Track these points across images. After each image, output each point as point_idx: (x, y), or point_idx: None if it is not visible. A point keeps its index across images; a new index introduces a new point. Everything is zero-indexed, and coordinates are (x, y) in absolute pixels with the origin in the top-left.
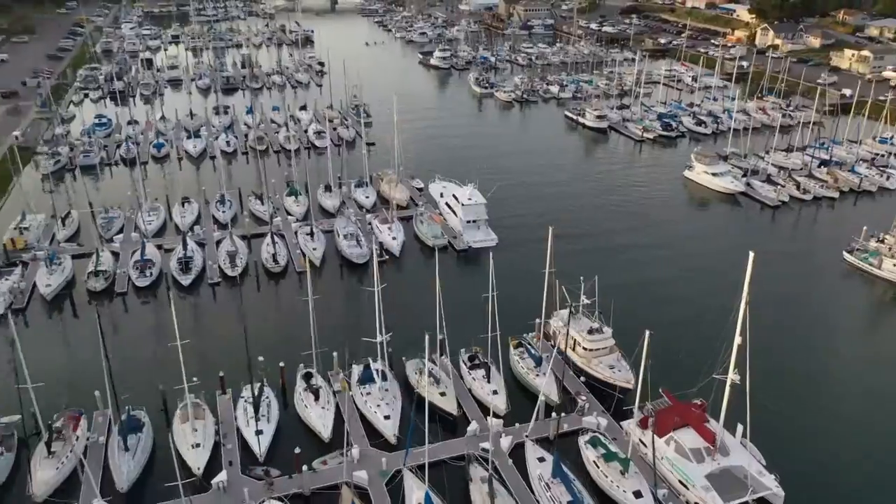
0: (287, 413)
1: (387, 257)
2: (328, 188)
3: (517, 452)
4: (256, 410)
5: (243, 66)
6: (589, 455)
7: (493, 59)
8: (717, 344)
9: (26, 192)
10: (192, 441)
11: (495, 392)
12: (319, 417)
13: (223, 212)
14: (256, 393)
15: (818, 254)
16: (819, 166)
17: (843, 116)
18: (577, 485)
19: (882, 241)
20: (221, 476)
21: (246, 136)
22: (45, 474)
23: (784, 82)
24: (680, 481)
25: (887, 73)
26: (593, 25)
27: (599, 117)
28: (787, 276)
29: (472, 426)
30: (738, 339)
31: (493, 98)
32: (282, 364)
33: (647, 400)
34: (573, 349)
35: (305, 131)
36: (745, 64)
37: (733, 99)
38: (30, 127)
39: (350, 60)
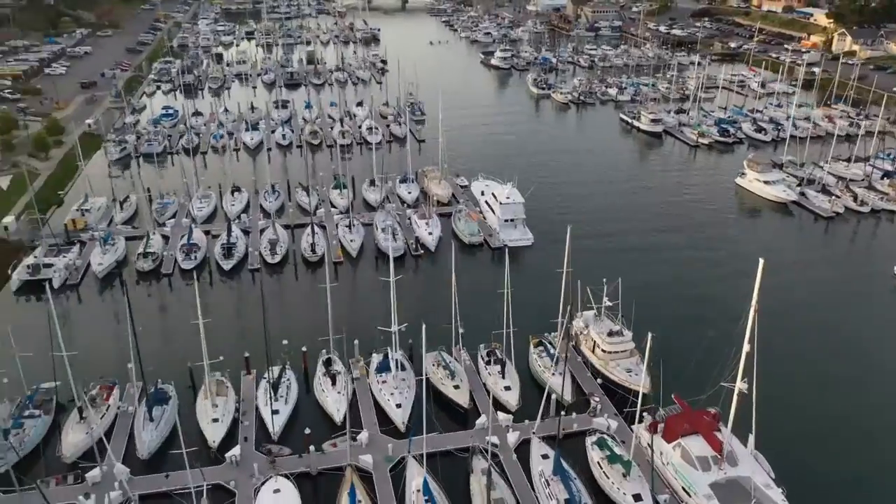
0: (307, 396)
1: (421, 251)
2: (373, 183)
3: (524, 448)
4: (275, 391)
5: (308, 63)
6: (594, 456)
7: (554, 60)
8: (734, 351)
9: (92, 177)
10: (211, 416)
11: (508, 388)
12: (335, 402)
13: (270, 202)
14: (277, 375)
15: (867, 268)
16: (882, 178)
17: None
18: (577, 484)
19: None
20: (235, 450)
21: (302, 130)
22: (74, 438)
23: (854, 89)
24: (683, 488)
25: None
26: (662, 28)
27: (654, 121)
28: (831, 288)
29: (481, 419)
30: (746, 347)
31: (550, 99)
32: (304, 349)
33: (660, 405)
34: (592, 351)
35: (359, 127)
36: (816, 70)
37: (799, 106)
38: (102, 116)
39: (412, 59)
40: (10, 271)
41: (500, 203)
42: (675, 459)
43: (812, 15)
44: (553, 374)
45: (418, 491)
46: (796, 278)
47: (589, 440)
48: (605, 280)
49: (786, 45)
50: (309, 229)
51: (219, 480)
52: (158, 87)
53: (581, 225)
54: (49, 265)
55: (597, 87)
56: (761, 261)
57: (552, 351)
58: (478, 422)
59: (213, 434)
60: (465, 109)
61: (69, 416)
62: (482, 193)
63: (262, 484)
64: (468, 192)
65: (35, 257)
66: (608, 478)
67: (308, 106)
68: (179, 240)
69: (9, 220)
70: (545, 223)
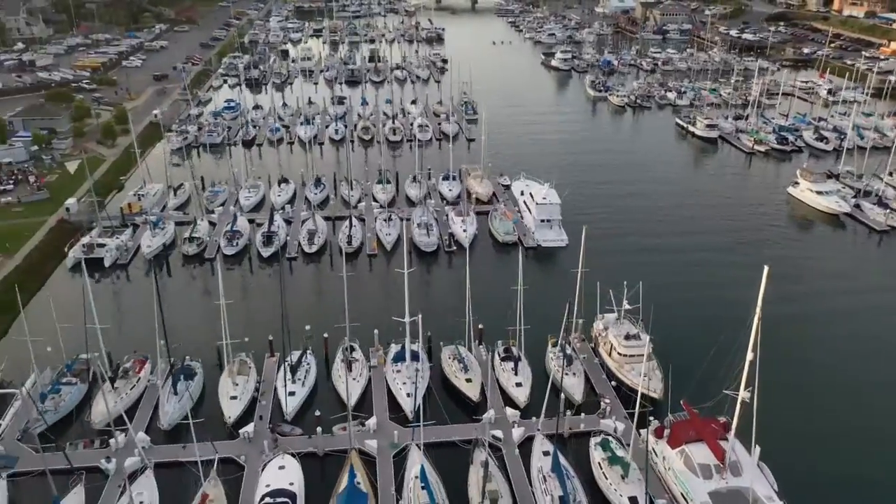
0: (327, 381)
1: (454, 248)
2: (415, 179)
3: (528, 445)
4: (293, 374)
5: (370, 60)
6: (595, 456)
7: (615, 62)
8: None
9: (153, 164)
10: (230, 393)
11: (519, 385)
12: (350, 387)
13: (315, 194)
14: (297, 358)
15: None
16: None
17: None
18: (574, 483)
19: None
20: (249, 427)
21: (355, 125)
22: (104, 406)
23: None
24: (682, 494)
25: None
26: (733, 32)
27: (710, 126)
28: (871, 305)
29: (489, 413)
30: (749, 356)
31: (606, 102)
32: (325, 335)
33: (670, 411)
34: (609, 353)
35: (411, 124)
36: (893, 79)
37: (868, 115)
38: (169, 107)
39: (472, 59)
40: (66, 249)
41: (537, 203)
42: (677, 465)
43: (895, 21)
44: (566, 373)
45: (416, 477)
46: (835, 289)
47: (593, 440)
48: (625, 283)
49: (864, 52)
50: (348, 221)
51: (230, 454)
52: (225, 81)
53: (621, 228)
54: (102, 245)
55: (655, 91)
56: (766, 268)
57: (568, 351)
58: (485, 416)
59: (230, 410)
60: (518, 109)
61: (102, 386)
62: (522, 193)
63: (270, 460)
64: (509, 191)
65: (90, 237)
66: (607, 479)
67: (364, 102)
68: (224, 226)
69: (71, 201)
70: (583, 224)
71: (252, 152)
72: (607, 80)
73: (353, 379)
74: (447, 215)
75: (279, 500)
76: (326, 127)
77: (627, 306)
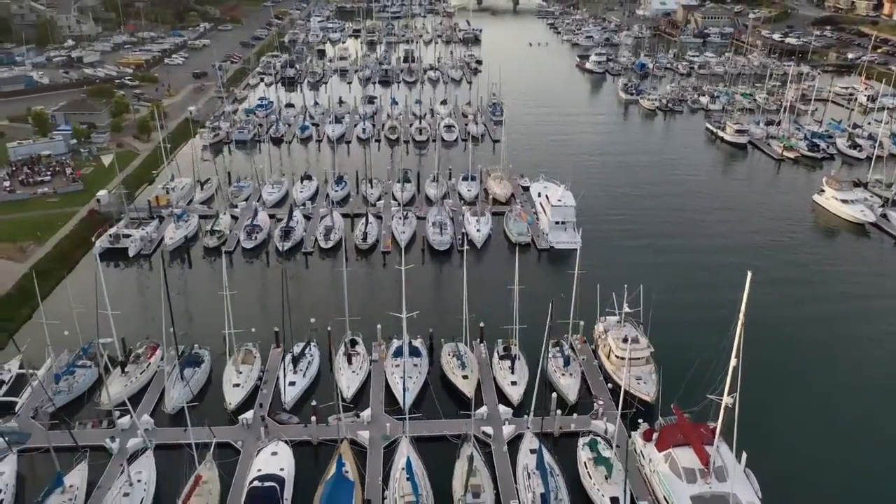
0: (329, 373)
1: (467, 247)
2: (435, 178)
3: (517, 442)
4: (295, 364)
5: (404, 61)
6: (582, 456)
7: (650, 65)
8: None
9: (184, 159)
10: (234, 381)
11: (514, 383)
12: (347, 380)
13: (336, 191)
14: (300, 350)
15: None
16: None
17: None
18: (558, 481)
19: None
20: (248, 414)
21: (383, 125)
22: (114, 389)
23: None
24: (664, 497)
25: None
26: (776, 36)
27: (739, 132)
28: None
29: (482, 410)
30: (732, 362)
31: (637, 105)
32: (329, 328)
33: (659, 414)
34: (608, 356)
35: (438, 125)
36: None
37: None
38: (205, 104)
39: (509, 61)
40: (93, 239)
41: (552, 205)
42: (662, 468)
43: None
44: (563, 374)
45: (402, 469)
46: (845, 298)
47: (582, 441)
48: (626, 286)
49: None
50: (365, 219)
51: (228, 439)
52: (262, 80)
53: (635, 230)
54: (127, 235)
55: (688, 95)
56: (749, 273)
57: (567, 352)
58: (478, 412)
59: (231, 397)
60: (548, 111)
61: (114, 370)
62: (539, 195)
63: (265, 447)
64: (528, 192)
65: (117, 228)
66: (591, 479)
67: (393, 102)
68: (245, 221)
69: (102, 193)
70: (599, 227)
71: (281, 150)
72: (639, 84)
73: (353, 372)
74: (463, 215)
75: (267, 483)
76: (355, 126)
77: (628, 309)
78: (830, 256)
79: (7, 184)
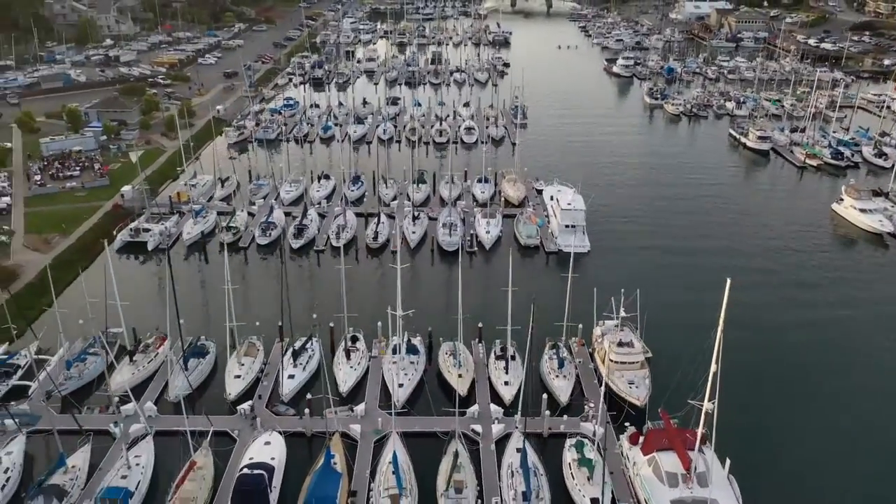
0: (328, 367)
1: (475, 249)
2: (452, 180)
3: (505, 441)
4: (296, 358)
5: (432, 62)
6: (567, 457)
7: (678, 70)
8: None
9: (207, 157)
10: (235, 373)
11: (507, 383)
12: (345, 375)
13: (352, 190)
14: (302, 344)
15: None
16: None
17: None
18: (540, 480)
19: None
20: (246, 405)
21: (404, 126)
22: (122, 376)
23: None
24: (645, 500)
25: None
26: (811, 41)
27: (762, 138)
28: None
29: (473, 408)
30: (712, 368)
31: (662, 110)
32: (332, 324)
33: (647, 418)
34: (603, 360)
35: (459, 127)
36: None
37: None
38: (233, 103)
39: (537, 63)
40: (115, 232)
41: (562, 208)
42: (645, 471)
43: None
44: (557, 375)
45: (389, 463)
46: (855, 304)
47: (568, 442)
48: (623, 290)
49: None
50: (377, 218)
51: (225, 428)
52: (290, 80)
53: (645, 234)
54: (147, 230)
55: (714, 100)
56: (728, 280)
57: (563, 354)
58: (468, 410)
59: (231, 388)
60: (571, 114)
61: (123, 358)
62: (551, 198)
63: (259, 436)
64: (541, 195)
65: (138, 222)
66: (574, 479)
67: (416, 104)
68: (261, 218)
69: (126, 188)
70: (610, 231)
71: (303, 149)
72: (665, 88)
73: (351, 367)
74: (474, 216)
75: (256, 471)
76: (377, 127)
77: (624, 313)
78: (844, 265)
79: (38, 178)
